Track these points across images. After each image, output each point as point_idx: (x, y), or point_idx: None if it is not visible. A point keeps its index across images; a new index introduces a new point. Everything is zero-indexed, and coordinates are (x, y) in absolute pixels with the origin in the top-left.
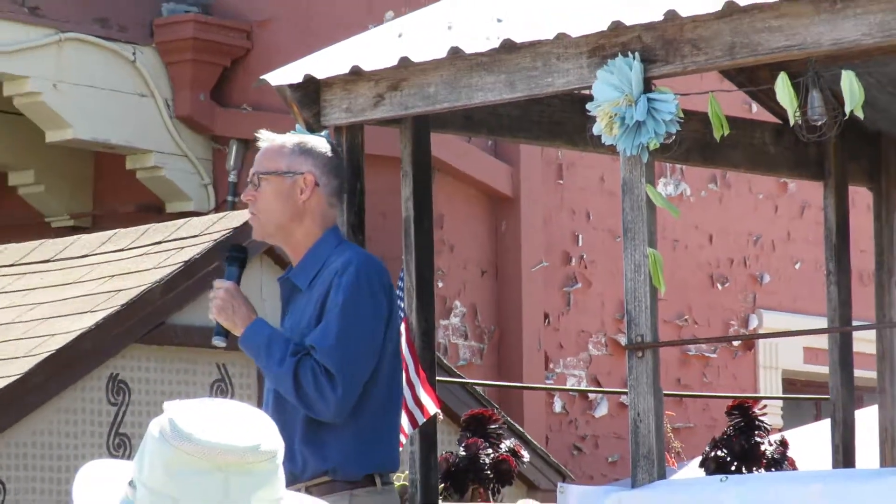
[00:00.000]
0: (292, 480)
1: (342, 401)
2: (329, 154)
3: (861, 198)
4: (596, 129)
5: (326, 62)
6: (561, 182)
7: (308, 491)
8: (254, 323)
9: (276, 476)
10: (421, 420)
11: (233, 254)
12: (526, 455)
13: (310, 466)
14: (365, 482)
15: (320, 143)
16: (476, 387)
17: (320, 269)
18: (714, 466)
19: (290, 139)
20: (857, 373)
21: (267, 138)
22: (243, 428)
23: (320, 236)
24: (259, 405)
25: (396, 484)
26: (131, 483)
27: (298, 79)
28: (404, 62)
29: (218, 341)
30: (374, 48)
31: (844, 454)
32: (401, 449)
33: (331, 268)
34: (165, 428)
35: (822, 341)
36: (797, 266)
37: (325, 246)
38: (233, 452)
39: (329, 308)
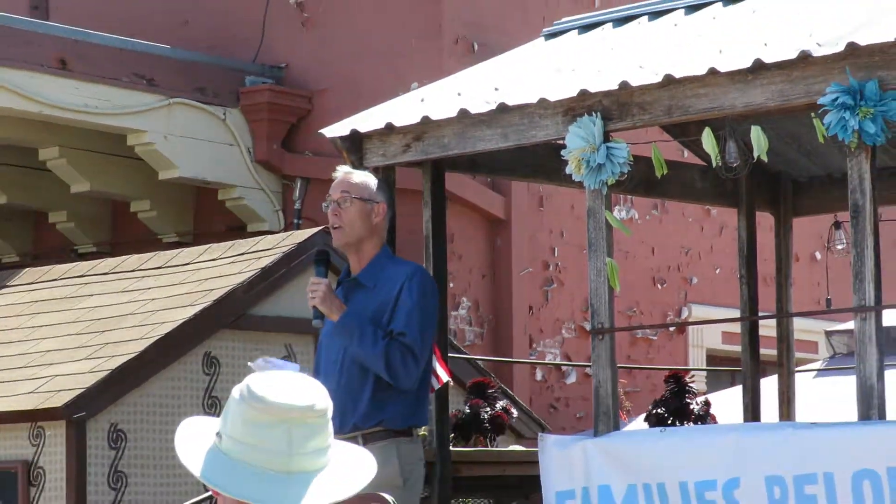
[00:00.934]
0: (355, 428)
1: (419, 376)
2: (390, 189)
3: (765, 220)
4: (568, 170)
5: (367, 119)
6: (542, 209)
7: (366, 437)
8: (347, 312)
9: (327, 428)
10: (437, 386)
11: (319, 257)
12: (515, 412)
13: (371, 418)
14: (406, 432)
15: (388, 185)
16: (478, 361)
17: (383, 273)
18: (655, 421)
19: (372, 177)
20: (763, 351)
21: (354, 170)
22: (302, 392)
23: (379, 250)
24: (316, 376)
25: (419, 434)
26: (218, 434)
27: (346, 132)
28: (425, 120)
29: (317, 324)
30: (402, 109)
31: (752, 412)
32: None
33: (394, 273)
34: (244, 391)
35: (736, 327)
36: (717, 271)
37: (384, 257)
38: (294, 410)
39: (405, 303)
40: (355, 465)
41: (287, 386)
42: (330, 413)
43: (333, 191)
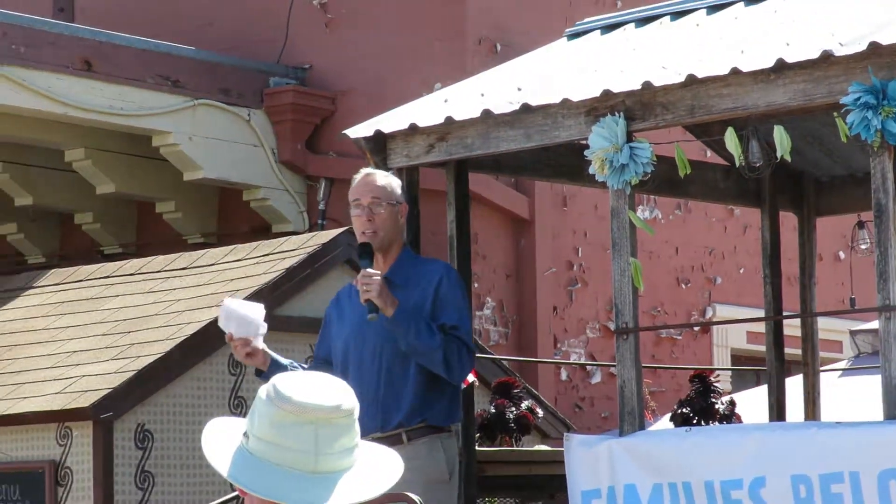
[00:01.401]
0: (399, 426)
1: (472, 368)
2: (409, 192)
3: (788, 220)
4: (591, 170)
5: (391, 120)
6: (565, 209)
7: (409, 434)
8: (401, 306)
9: (353, 428)
10: (462, 387)
11: (364, 250)
12: (540, 412)
13: (416, 416)
14: (447, 429)
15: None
16: (503, 361)
17: (411, 271)
18: (680, 420)
19: (395, 178)
20: (787, 350)
21: (377, 171)
22: (328, 392)
23: (403, 248)
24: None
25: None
26: (245, 434)
27: (370, 133)
28: (449, 120)
29: (372, 317)
30: (426, 110)
31: (777, 411)
32: None
33: (423, 270)
34: (270, 392)
35: (760, 327)
36: (741, 271)
37: (408, 256)
38: (320, 410)
39: (451, 298)
40: (381, 465)
41: (314, 386)
42: (356, 413)
43: (362, 195)
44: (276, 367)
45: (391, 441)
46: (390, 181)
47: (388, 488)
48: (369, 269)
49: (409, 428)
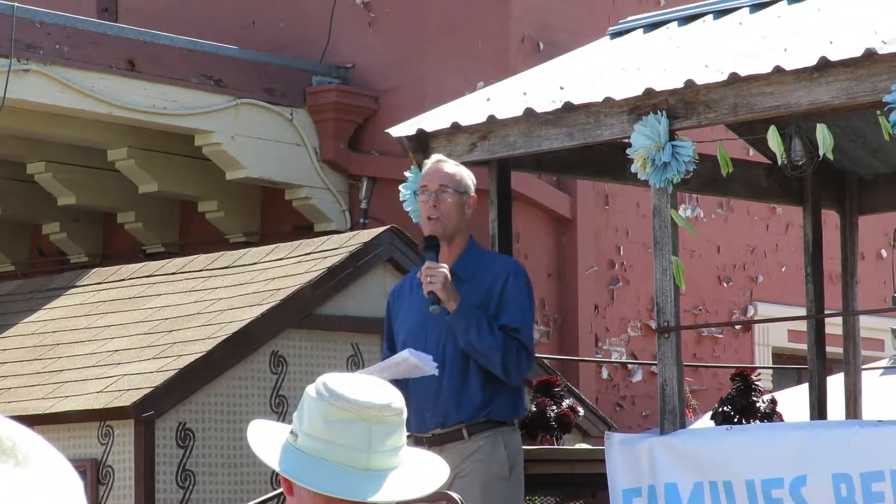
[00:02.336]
0: (458, 422)
1: (530, 371)
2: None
3: (830, 218)
4: (634, 168)
5: (434, 119)
6: (607, 207)
7: (470, 428)
8: (463, 301)
9: (402, 427)
10: None
11: (430, 242)
12: (581, 410)
13: (477, 412)
14: (509, 423)
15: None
16: (544, 360)
17: (477, 265)
18: (721, 419)
19: (465, 169)
20: (828, 349)
21: (449, 160)
22: (378, 391)
23: (469, 241)
24: None
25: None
26: (293, 432)
27: (413, 132)
28: (491, 119)
29: (434, 309)
30: (469, 109)
31: (819, 410)
32: None
33: (490, 265)
34: (322, 390)
35: (802, 325)
36: (783, 269)
37: (475, 248)
38: (374, 408)
39: (516, 299)
40: (427, 465)
41: (363, 385)
42: (405, 413)
43: (430, 181)
44: None
45: (451, 437)
46: (460, 171)
47: (437, 487)
48: (431, 262)
49: (469, 423)
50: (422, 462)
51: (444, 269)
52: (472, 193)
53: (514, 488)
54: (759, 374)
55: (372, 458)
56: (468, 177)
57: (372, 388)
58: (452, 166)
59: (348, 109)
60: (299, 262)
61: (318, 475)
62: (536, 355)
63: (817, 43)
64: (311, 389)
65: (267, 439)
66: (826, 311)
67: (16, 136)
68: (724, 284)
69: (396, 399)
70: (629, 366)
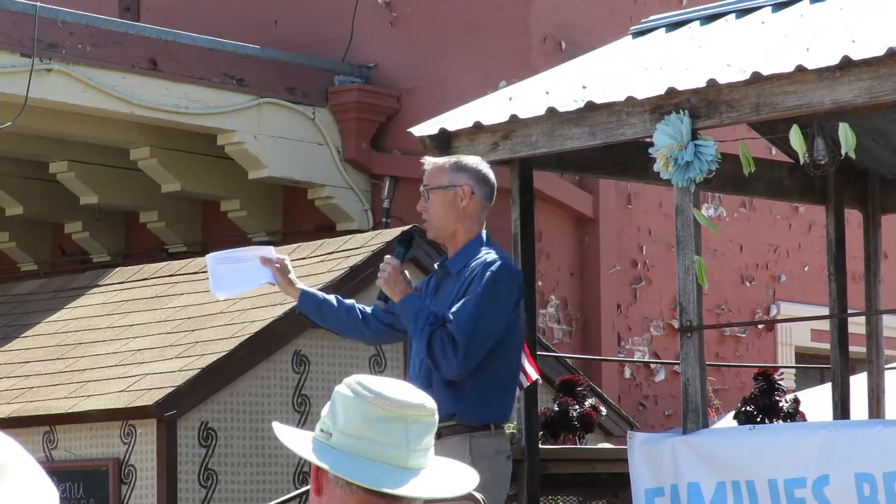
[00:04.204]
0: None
1: (461, 365)
2: (479, 167)
3: (853, 217)
4: (656, 167)
5: (456, 118)
6: (630, 207)
7: (442, 430)
8: (409, 295)
9: (434, 428)
10: (525, 384)
11: (403, 237)
12: (604, 410)
13: (447, 415)
14: (481, 428)
15: (471, 159)
16: (566, 359)
17: (470, 261)
18: (744, 418)
19: (448, 159)
20: (851, 348)
21: (431, 161)
22: (411, 391)
23: (474, 236)
24: (404, 377)
25: (507, 430)
26: (324, 431)
27: (435, 131)
28: (513, 118)
29: (378, 304)
30: (491, 108)
31: (842, 409)
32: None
33: (479, 261)
34: (359, 389)
35: (825, 325)
36: (806, 269)
37: (478, 244)
38: (411, 406)
39: (471, 291)
40: (456, 467)
41: (397, 385)
42: (437, 414)
43: (422, 184)
44: (319, 303)
45: None
46: (443, 165)
47: (472, 487)
48: (387, 256)
49: (442, 425)
50: (450, 464)
51: (393, 263)
52: (463, 183)
53: (487, 494)
54: (782, 373)
55: (410, 455)
56: (452, 167)
57: (406, 388)
58: (436, 163)
59: (370, 108)
60: (322, 261)
61: (361, 470)
62: (560, 355)
63: (839, 42)
64: (344, 389)
65: (299, 440)
66: (849, 311)
67: (38, 136)
68: (747, 284)
69: (429, 400)
70: (652, 365)
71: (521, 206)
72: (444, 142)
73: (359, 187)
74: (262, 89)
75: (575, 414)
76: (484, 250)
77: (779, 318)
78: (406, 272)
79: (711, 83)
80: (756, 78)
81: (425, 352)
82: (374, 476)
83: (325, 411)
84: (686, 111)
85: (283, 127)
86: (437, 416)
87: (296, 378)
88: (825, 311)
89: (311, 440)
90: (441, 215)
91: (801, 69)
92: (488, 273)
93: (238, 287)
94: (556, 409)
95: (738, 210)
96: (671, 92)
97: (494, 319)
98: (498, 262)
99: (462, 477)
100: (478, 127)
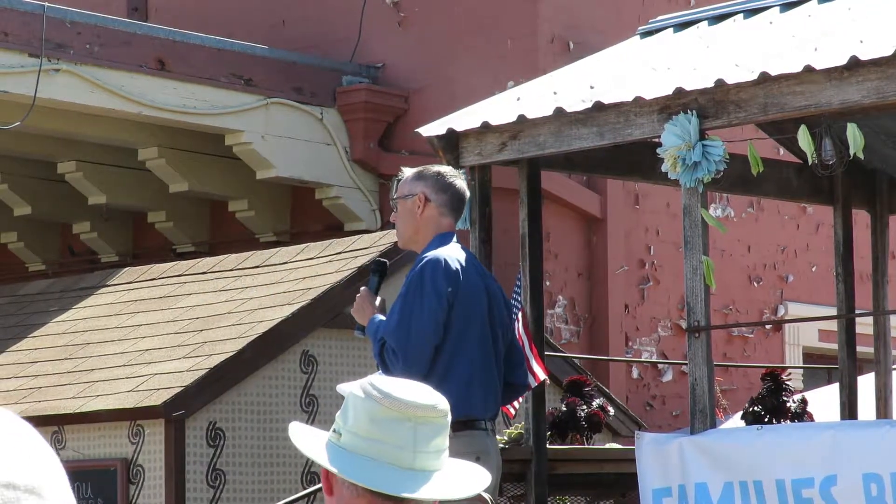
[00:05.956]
0: None
1: (405, 370)
2: (437, 174)
3: (861, 218)
4: (664, 168)
5: (464, 118)
6: (637, 207)
7: None
8: (371, 320)
9: (446, 430)
10: (533, 384)
11: (374, 266)
12: (611, 410)
13: None
14: (454, 426)
15: (434, 168)
16: (574, 359)
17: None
18: (752, 419)
19: (413, 170)
20: (859, 349)
21: (403, 172)
22: (424, 392)
23: (430, 241)
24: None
25: (514, 432)
26: (335, 431)
27: (443, 131)
28: (521, 119)
29: (357, 333)
30: (499, 108)
31: (849, 409)
32: (513, 409)
33: (415, 266)
34: (369, 389)
35: (832, 325)
36: (814, 269)
37: (428, 249)
38: (420, 408)
39: (396, 298)
40: (469, 470)
41: (409, 386)
42: (450, 416)
43: None
44: None
45: None
46: (407, 175)
47: (480, 490)
48: (362, 287)
49: None
50: (464, 467)
51: (360, 293)
52: (418, 192)
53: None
54: (790, 373)
55: (417, 457)
56: (415, 178)
57: (418, 389)
58: (404, 173)
59: (378, 109)
60: (330, 261)
61: (364, 472)
62: (567, 355)
63: (847, 42)
64: (356, 388)
65: (310, 439)
66: (857, 311)
67: (46, 136)
68: (755, 284)
69: (442, 401)
70: (659, 365)
71: (529, 207)
72: (451, 142)
73: (367, 187)
74: (270, 89)
75: (583, 414)
76: (427, 255)
77: (786, 318)
78: (379, 298)
79: (719, 83)
80: (764, 78)
81: (381, 367)
82: (375, 477)
83: (339, 411)
84: (694, 111)
85: (290, 127)
86: (449, 418)
87: (304, 378)
88: (833, 311)
89: (325, 440)
90: (402, 224)
91: (809, 69)
92: (414, 273)
93: None
94: (564, 409)
95: (745, 210)
96: (679, 92)
97: (425, 314)
98: (425, 259)
99: (471, 479)
100: (486, 127)
